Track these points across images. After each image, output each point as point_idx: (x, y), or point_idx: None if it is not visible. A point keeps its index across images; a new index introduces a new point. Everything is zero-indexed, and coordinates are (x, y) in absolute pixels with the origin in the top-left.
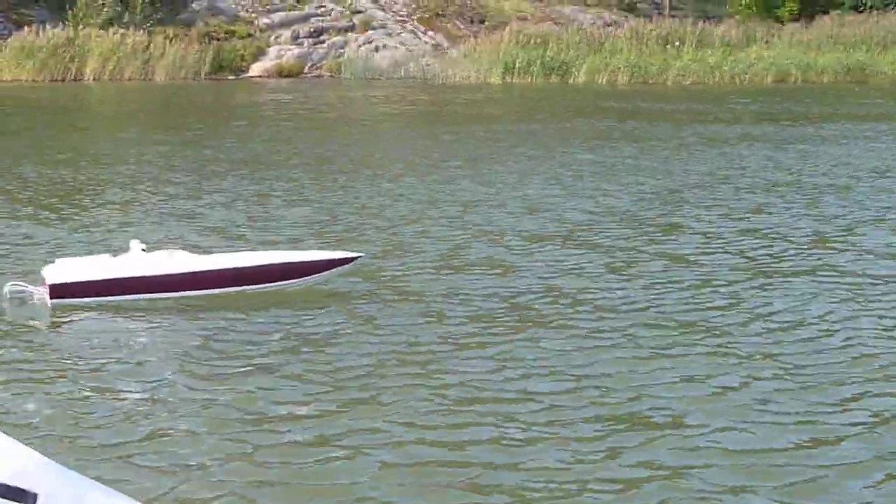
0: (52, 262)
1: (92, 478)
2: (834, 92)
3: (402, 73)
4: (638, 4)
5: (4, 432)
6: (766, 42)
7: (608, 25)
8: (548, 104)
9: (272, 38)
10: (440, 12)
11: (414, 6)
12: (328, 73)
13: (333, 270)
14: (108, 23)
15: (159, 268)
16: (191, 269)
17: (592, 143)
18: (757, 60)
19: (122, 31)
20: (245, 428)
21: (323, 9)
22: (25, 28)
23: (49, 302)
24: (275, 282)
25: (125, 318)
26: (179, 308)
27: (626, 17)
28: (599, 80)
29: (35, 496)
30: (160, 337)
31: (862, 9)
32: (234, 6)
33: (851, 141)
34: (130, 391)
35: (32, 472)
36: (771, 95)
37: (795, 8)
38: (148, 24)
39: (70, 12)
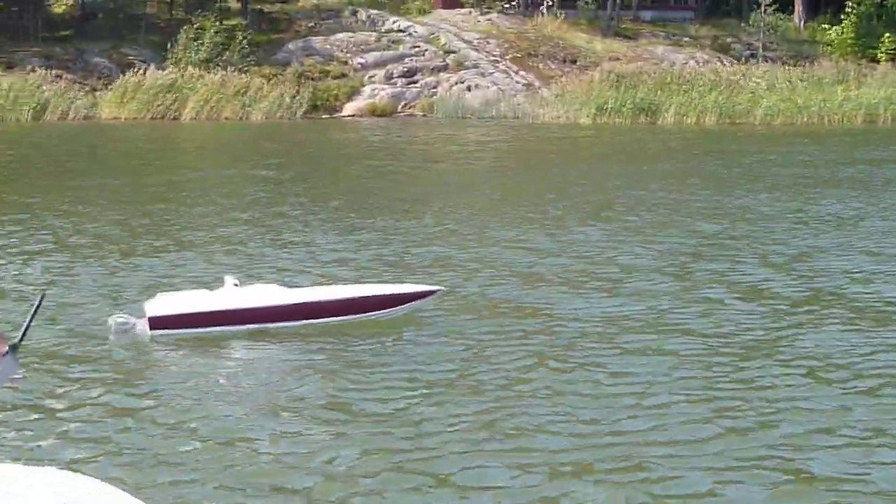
0: (153, 296)
1: None
2: None
3: (494, 113)
4: (732, 45)
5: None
6: (858, 82)
7: (700, 66)
8: (636, 146)
9: (366, 77)
10: (532, 52)
11: (507, 46)
12: (420, 113)
13: (414, 303)
14: (206, 62)
15: (250, 301)
16: (279, 303)
17: (670, 184)
18: (845, 101)
19: (221, 71)
20: (343, 452)
21: (417, 49)
22: (131, 70)
23: (149, 332)
24: (359, 314)
25: (218, 347)
26: (268, 339)
27: (720, 57)
28: (688, 121)
29: None
30: (250, 365)
31: None
32: (328, 47)
33: None
34: (222, 416)
35: None
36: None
37: (893, 48)
38: (243, 65)
39: (170, 52)
